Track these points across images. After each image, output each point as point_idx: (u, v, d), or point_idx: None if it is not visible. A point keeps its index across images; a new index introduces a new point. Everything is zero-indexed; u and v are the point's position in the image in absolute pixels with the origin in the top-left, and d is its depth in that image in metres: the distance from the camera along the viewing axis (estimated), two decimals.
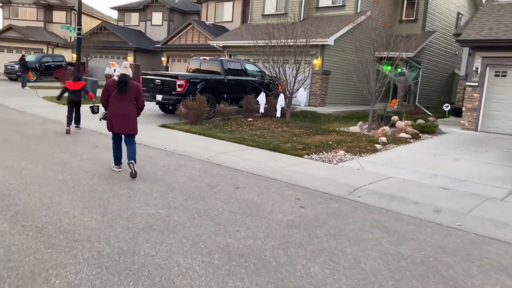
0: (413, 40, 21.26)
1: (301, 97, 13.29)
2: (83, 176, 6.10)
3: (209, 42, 22.42)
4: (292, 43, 12.91)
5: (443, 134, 12.47)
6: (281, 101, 12.77)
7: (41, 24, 36.31)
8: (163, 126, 11.35)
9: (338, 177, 6.96)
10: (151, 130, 10.71)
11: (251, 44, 18.36)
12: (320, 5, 20.33)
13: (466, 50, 17.67)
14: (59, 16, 35.47)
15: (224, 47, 21.21)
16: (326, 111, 16.31)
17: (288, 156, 8.45)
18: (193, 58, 15.05)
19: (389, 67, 22.11)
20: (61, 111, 13.21)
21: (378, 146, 9.76)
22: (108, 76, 24.95)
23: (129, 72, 6.48)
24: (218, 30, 26.54)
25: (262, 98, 13.10)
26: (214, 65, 14.06)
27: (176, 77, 12.39)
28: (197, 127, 11.15)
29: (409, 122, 13.88)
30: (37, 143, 8.33)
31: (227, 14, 28.50)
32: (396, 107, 20.81)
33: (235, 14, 27.90)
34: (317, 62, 17.32)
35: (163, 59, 29.91)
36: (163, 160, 7.49)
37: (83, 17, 36.87)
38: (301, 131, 11.58)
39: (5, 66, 27.31)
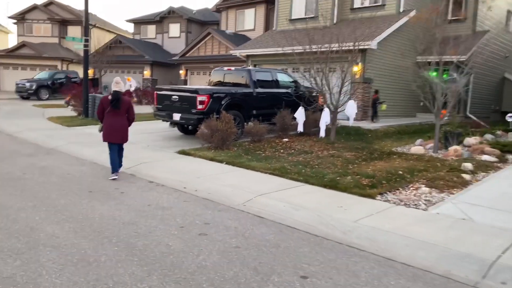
0: (464, 41, 18.73)
1: (351, 111, 10.92)
2: None
3: (231, 51, 20.32)
4: (337, 48, 10.59)
5: None
6: (325, 117, 10.41)
7: (55, 40, 35.07)
8: (182, 152, 9.13)
9: (446, 239, 4.55)
10: (167, 159, 8.49)
11: (279, 52, 16.13)
12: (355, 6, 18.00)
13: None
14: (73, 31, 34.10)
15: (248, 56, 19.05)
16: (370, 125, 13.87)
17: (354, 197, 6.08)
18: (216, 69, 12.89)
19: (434, 73, 19.63)
20: (63, 135, 11.18)
21: (467, 177, 7.29)
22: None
23: (121, 87, 7.26)
24: (240, 39, 24.48)
25: (300, 114, 10.78)
26: (240, 76, 11.84)
27: (196, 91, 10.22)
28: (223, 154, 8.89)
29: (478, 138, 11.36)
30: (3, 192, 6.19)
31: (249, 21, 26.47)
32: (446, 118, 18.19)
33: (258, 21, 25.84)
34: (357, 69, 14.92)
35: (181, 72, 28.02)
36: (181, 212, 5.20)
37: (98, 31, 35.59)
38: (353, 155, 9.19)
39: (17, 84, 25.82)
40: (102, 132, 7.16)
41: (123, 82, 20.09)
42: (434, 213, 5.50)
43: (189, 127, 11.60)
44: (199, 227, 4.63)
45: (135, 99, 25.33)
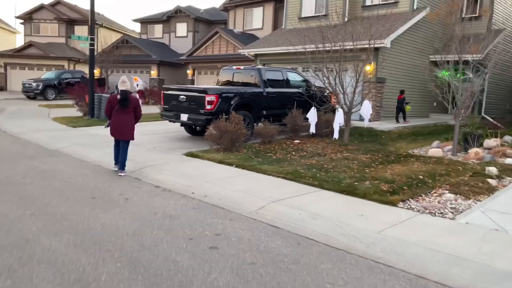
0: (480, 40, 18.20)
1: (366, 111, 10.45)
2: None
3: (239, 51, 19.94)
4: (352, 46, 10.16)
5: None
6: (339, 118, 9.98)
7: (62, 40, 34.94)
8: (190, 155, 8.76)
9: (481, 253, 4.13)
10: (175, 162, 8.12)
11: (289, 51, 15.73)
12: (367, 3, 17.54)
13: None
14: (80, 30, 33.89)
15: (257, 55, 18.66)
16: (384, 126, 13.41)
17: (374, 204, 5.66)
18: (224, 68, 12.51)
19: (447, 73, 19.09)
20: (67, 136, 10.88)
21: (493, 182, 6.84)
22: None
23: (128, 86, 7.38)
24: (248, 38, 24.11)
25: (313, 114, 10.36)
26: (250, 75, 11.45)
27: (204, 91, 9.84)
28: (233, 156, 8.51)
29: (497, 140, 10.88)
30: None
31: (257, 20, 26.08)
32: (460, 119, 17.65)
33: (266, 20, 25.44)
34: (370, 68, 14.46)
35: (189, 72, 27.70)
36: (189, 221, 4.81)
37: (104, 31, 35.43)
38: (369, 158, 8.76)
39: (23, 84, 25.67)
40: (109, 128, 7.44)
41: (130, 81, 19.64)
42: (463, 223, 5.07)
43: (197, 128, 11.25)
44: (209, 239, 4.24)
45: (143, 100, 25.09)
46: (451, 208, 5.62)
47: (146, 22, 34.25)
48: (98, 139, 10.54)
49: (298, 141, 10.33)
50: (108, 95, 17.17)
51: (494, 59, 10.16)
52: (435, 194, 6.25)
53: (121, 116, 7.24)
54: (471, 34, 18.18)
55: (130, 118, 7.32)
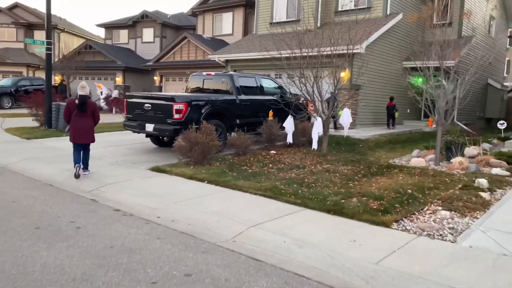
0: (451, 46, 18.22)
1: (346, 120, 9.91)
2: None
3: (209, 56, 19.17)
4: (330, 52, 9.65)
5: None
6: (318, 127, 9.37)
7: (21, 45, 33.05)
8: (156, 169, 7.90)
9: (497, 286, 3.54)
10: (139, 178, 7.25)
11: (262, 57, 15.13)
12: (339, 9, 17.19)
13: None
14: (40, 35, 32.11)
15: (228, 61, 17.95)
16: (360, 135, 12.94)
17: (365, 226, 5.02)
18: (194, 74, 11.72)
19: (420, 79, 19.01)
20: (19, 150, 9.77)
21: (485, 196, 6.36)
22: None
23: (87, 91, 7.43)
24: (217, 44, 23.39)
25: (289, 123, 9.72)
26: (222, 82, 10.72)
27: (172, 99, 9.02)
28: (204, 170, 7.71)
29: (477, 148, 10.60)
30: None
31: (227, 26, 25.42)
32: (435, 126, 17.54)
33: (236, 25, 24.82)
34: (345, 74, 14.02)
35: (156, 78, 26.64)
36: (153, 257, 4.00)
37: (66, 36, 33.86)
38: (351, 170, 8.19)
39: None
40: (69, 133, 7.48)
41: (92, 88, 18.21)
42: (467, 247, 4.49)
43: (165, 138, 10.39)
44: (177, 282, 3.45)
45: (118, 108, 23.85)
46: (449, 228, 5.06)
47: (110, 27, 32.93)
48: (54, 153, 9.50)
49: (275, 152, 9.65)
50: (63, 103, 16.03)
51: (476, 65, 9.77)
52: (428, 212, 5.69)
53: (81, 120, 7.32)
54: (441, 41, 18.16)
55: (89, 122, 7.44)
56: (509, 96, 25.52)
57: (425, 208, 5.82)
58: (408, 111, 18.79)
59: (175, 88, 24.64)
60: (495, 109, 23.02)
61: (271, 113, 10.11)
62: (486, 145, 11.64)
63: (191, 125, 8.49)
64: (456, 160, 8.96)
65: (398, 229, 4.98)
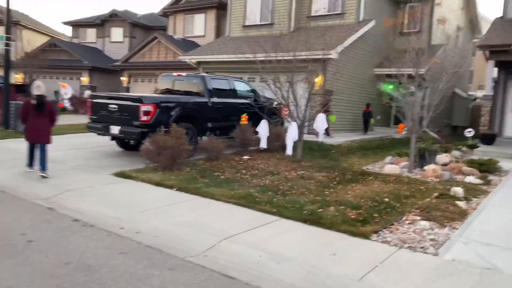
0: (420, 54, 18.49)
1: (321, 125, 9.72)
2: None
3: (180, 57, 18.67)
4: (306, 56, 9.46)
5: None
6: (293, 133, 9.12)
7: None
8: (121, 175, 7.40)
9: None
10: (102, 185, 6.75)
11: (235, 59, 14.84)
12: (313, 14, 17.12)
13: (490, 65, 14.91)
14: (1, 32, 30.65)
15: (199, 63, 17.52)
16: (333, 140, 12.81)
17: (345, 237, 4.76)
18: (164, 75, 11.25)
19: (390, 86, 19.20)
20: None
21: (462, 205, 6.26)
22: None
23: (43, 90, 7.29)
24: (189, 45, 22.89)
25: (263, 128, 9.43)
26: (193, 83, 10.31)
27: (139, 100, 8.54)
28: (173, 176, 7.29)
29: (448, 156, 10.65)
30: None
31: (198, 27, 24.95)
32: (404, 133, 17.72)
33: (208, 27, 24.40)
34: (318, 80, 13.89)
35: (124, 79, 25.81)
36: (114, 275, 3.57)
37: (29, 33, 32.38)
38: (325, 176, 7.97)
39: None
40: (25, 133, 7.37)
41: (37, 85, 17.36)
42: (449, 260, 4.30)
43: (131, 141, 9.87)
44: None
45: (71, 107, 22.86)
46: (430, 240, 4.86)
47: (78, 25, 31.76)
48: (9, 155, 8.82)
49: (248, 157, 9.33)
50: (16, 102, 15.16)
51: (450, 73, 9.82)
52: (407, 222, 5.50)
53: (38, 120, 7.20)
54: (411, 49, 18.37)
55: (46, 122, 7.31)
56: (474, 104, 26.30)
57: (404, 218, 5.63)
58: (379, 117, 18.92)
59: (143, 90, 23.90)
60: (461, 117, 23.62)
61: (244, 117, 9.79)
62: (456, 153, 11.73)
63: (159, 128, 8.06)
64: (430, 167, 8.90)
65: (378, 241, 4.74)
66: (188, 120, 9.37)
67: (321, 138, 10.42)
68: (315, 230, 4.98)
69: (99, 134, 9.23)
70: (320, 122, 9.62)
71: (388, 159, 10.63)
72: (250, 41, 16.40)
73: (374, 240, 4.75)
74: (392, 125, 19.76)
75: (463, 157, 11.63)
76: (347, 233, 4.86)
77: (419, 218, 5.64)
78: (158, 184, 6.87)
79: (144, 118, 8.41)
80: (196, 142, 9.36)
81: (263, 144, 9.59)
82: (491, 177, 8.62)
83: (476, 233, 5.15)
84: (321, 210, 5.56)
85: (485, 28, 27.09)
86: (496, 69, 15.62)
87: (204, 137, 9.75)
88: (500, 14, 16.80)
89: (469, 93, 26.39)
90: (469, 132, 14.72)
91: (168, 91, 10.65)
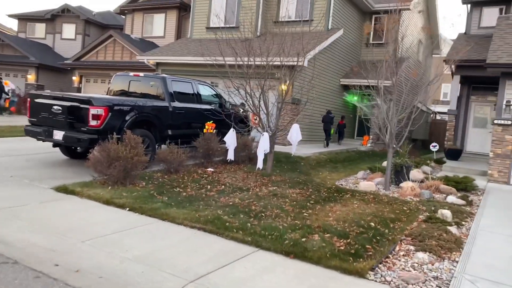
0: (386, 66, 18.34)
1: (296, 136, 8.92)
2: None
3: (138, 57, 17.38)
4: (280, 62, 8.71)
5: (490, 193, 8.79)
6: (264, 144, 8.26)
7: None
8: (63, 190, 6.20)
9: None
10: (38, 202, 5.55)
11: (198, 62, 13.87)
12: (280, 19, 16.45)
13: (455, 81, 14.86)
14: None
15: (158, 64, 16.34)
16: (301, 152, 12.11)
17: (337, 276, 3.94)
18: (118, 74, 10.05)
19: (355, 97, 18.92)
20: None
21: (455, 231, 5.66)
22: None
23: None
24: (147, 46, 21.61)
25: (231, 137, 8.50)
26: (152, 85, 9.22)
27: (89, 101, 7.37)
28: (126, 193, 6.19)
29: (421, 172, 10.24)
30: None
31: (158, 28, 23.72)
32: (369, 145, 17.42)
33: (168, 28, 23.22)
34: (285, 88, 13.16)
35: (75, 78, 24.02)
36: None
37: None
38: (300, 193, 7.18)
39: None
40: None
41: None
42: None
43: (78, 148, 8.62)
44: None
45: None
46: (433, 278, 4.15)
47: (25, 18, 29.42)
48: None
49: (212, 170, 8.36)
50: None
51: (426, 86, 9.40)
52: (402, 253, 4.78)
53: None
54: (377, 60, 18.18)
55: None
56: (433, 119, 26.78)
57: (397, 248, 4.91)
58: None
59: (96, 91, 22.29)
60: (421, 131, 23.85)
61: (210, 124, 8.82)
62: (426, 168, 11.38)
63: (111, 135, 6.93)
64: (407, 185, 8.36)
65: (376, 281, 3.96)
66: (145, 127, 8.30)
67: (294, 150, 9.63)
68: (301, 266, 4.11)
69: (38, 139, 7.92)
70: (295, 132, 8.83)
71: (361, 174, 10.05)
72: (214, 43, 15.52)
73: (372, 280, 3.96)
74: (356, 136, 19.48)
75: (433, 173, 11.30)
76: (339, 270, 4.04)
77: (413, 248, 4.95)
78: (107, 202, 5.76)
79: (93, 122, 7.25)
80: (154, 151, 8.28)
81: (231, 155, 8.65)
82: (471, 196, 8.19)
83: (481, 268, 4.49)
84: (304, 240, 4.71)
85: (443, 46, 27.85)
86: (459, 85, 15.65)
87: (162, 146, 8.69)
88: (463, 31, 16.99)
89: (428, 106, 26.84)
90: (434, 147, 14.54)
91: (122, 93, 9.49)
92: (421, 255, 4.67)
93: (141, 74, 9.46)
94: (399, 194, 8.06)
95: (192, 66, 14.78)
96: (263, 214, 5.67)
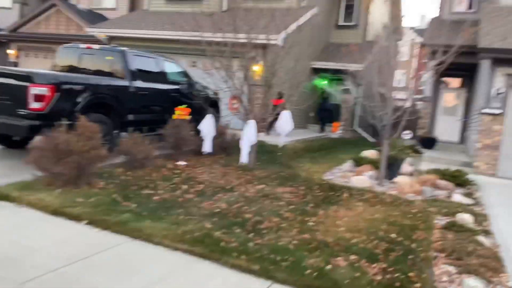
0: (357, 50, 17.57)
1: (286, 125, 7.76)
2: None
3: (87, 30, 15.31)
4: (266, 40, 7.54)
5: (486, 188, 8.14)
6: (251, 135, 7.00)
7: None
8: None
9: None
10: None
11: (164, 36, 12.31)
12: None
13: (430, 66, 14.31)
14: None
15: (112, 38, 14.42)
16: (275, 140, 10.96)
17: None
18: (66, 46, 8.30)
19: (324, 81, 18.05)
20: None
21: (485, 242, 4.81)
22: None
23: None
24: (96, 18, 19.35)
25: (208, 125, 7.18)
26: (109, 60, 7.64)
27: (29, 78, 5.76)
28: (81, 198, 4.76)
29: (407, 164, 9.47)
30: None
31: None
32: (339, 132, 16.65)
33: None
34: (258, 69, 11.93)
35: (11, 52, 21.23)
36: None
37: None
38: (291, 193, 6.11)
39: None
40: None
41: None
42: None
43: (16, 137, 6.95)
44: None
45: None
46: None
47: None
48: None
49: (185, 163, 7.02)
50: None
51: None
52: (444, 277, 3.83)
53: None
54: (347, 44, 17.41)
55: None
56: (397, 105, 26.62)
57: (436, 271, 3.95)
58: (311, 114, 17.63)
59: (37, 67, 19.79)
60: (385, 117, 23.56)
61: (184, 109, 7.42)
62: (409, 160, 10.67)
63: (58, 120, 5.43)
64: (405, 181, 7.52)
65: None
66: (102, 110, 6.79)
67: (283, 141, 8.48)
68: None
69: None
70: (285, 121, 7.66)
71: (347, 166, 9.14)
72: (175, 17, 13.89)
73: None
74: (326, 123, 18.66)
75: (415, 164, 10.63)
76: None
77: (453, 269, 4.01)
78: (56, 212, 4.32)
79: (35, 105, 5.67)
80: (113, 141, 6.81)
81: (207, 148, 7.33)
82: (476, 193, 7.48)
83: None
84: (329, 267, 3.60)
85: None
86: (433, 71, 15.18)
87: (122, 134, 7.23)
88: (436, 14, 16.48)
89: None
90: (406, 135, 13.98)
91: (71, 69, 7.82)
92: (472, 282, 3.73)
93: (96, 46, 7.82)
94: (397, 191, 7.18)
95: (153, 42, 13.09)
96: (261, 226, 4.51)
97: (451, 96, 16.79)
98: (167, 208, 4.79)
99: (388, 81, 7.96)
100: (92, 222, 4.16)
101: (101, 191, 5.12)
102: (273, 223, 4.65)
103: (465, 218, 5.42)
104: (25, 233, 3.80)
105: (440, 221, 5.58)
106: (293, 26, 12.78)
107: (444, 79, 15.72)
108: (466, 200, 6.71)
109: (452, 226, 5.21)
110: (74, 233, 3.93)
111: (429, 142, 13.44)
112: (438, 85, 15.80)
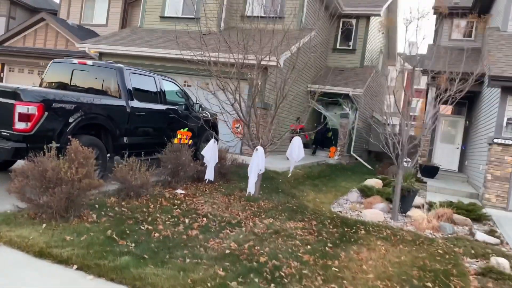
0: (355, 75, 17.36)
1: (297, 153, 7.18)
2: None
3: (78, 45, 14.67)
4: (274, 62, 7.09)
5: (503, 224, 7.67)
6: (259, 163, 6.40)
7: None
8: None
9: None
10: None
11: (159, 55, 11.81)
12: (248, 13, 14.72)
13: (431, 93, 14.09)
14: None
15: (102, 54, 13.83)
16: (275, 166, 10.42)
17: None
18: (56, 61, 7.67)
19: (321, 106, 17.68)
20: None
21: None
22: None
23: None
24: (86, 34, 18.82)
25: (211, 150, 6.58)
26: (103, 77, 7.03)
27: (15, 94, 5.12)
28: (71, 235, 4.08)
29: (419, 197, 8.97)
30: None
31: (100, 15, 20.88)
32: (336, 157, 16.19)
33: (112, 16, 20.50)
34: (261, 91, 11.45)
35: None
36: None
37: None
38: (305, 229, 5.52)
39: None
40: None
41: None
42: None
43: None
44: None
45: None
46: None
47: None
48: None
49: (183, 192, 6.37)
50: None
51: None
52: None
53: None
54: (344, 68, 17.15)
55: None
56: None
57: None
58: (308, 138, 17.19)
59: (22, 83, 19.02)
60: (376, 142, 23.29)
61: (186, 133, 6.81)
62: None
63: (47, 143, 4.79)
64: (418, 214, 7.00)
65: None
66: (94, 133, 6.16)
67: (292, 169, 7.92)
68: None
69: None
70: (296, 148, 7.11)
71: (354, 197, 8.61)
72: (170, 35, 13.42)
73: None
74: (320, 146, 18.22)
75: (421, 195, 10.17)
76: None
77: None
78: (41, 253, 3.64)
79: (20, 125, 5.02)
80: (105, 166, 6.16)
81: (210, 175, 6.70)
82: (498, 230, 6.98)
83: None
84: None
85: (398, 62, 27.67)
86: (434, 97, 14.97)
87: (115, 157, 6.58)
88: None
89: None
90: (407, 163, 13.59)
91: (62, 86, 7.19)
92: None
93: (89, 62, 7.22)
94: (414, 227, 6.65)
95: (146, 60, 12.57)
96: (281, 272, 3.89)
97: (450, 123, 16.59)
98: (170, 248, 4.15)
99: (402, 108, 7.51)
100: (83, 267, 3.49)
101: (93, 226, 4.44)
102: (293, 269, 4.04)
103: (502, 263, 4.89)
104: (3, 283, 3.11)
105: (471, 264, 5.06)
106: (294, 48, 12.42)
107: (442, 106, 15.51)
108: (491, 239, 6.20)
109: (489, 272, 4.67)
110: (63, 281, 3.26)
111: (430, 171, 13.06)
112: (435, 112, 15.56)
